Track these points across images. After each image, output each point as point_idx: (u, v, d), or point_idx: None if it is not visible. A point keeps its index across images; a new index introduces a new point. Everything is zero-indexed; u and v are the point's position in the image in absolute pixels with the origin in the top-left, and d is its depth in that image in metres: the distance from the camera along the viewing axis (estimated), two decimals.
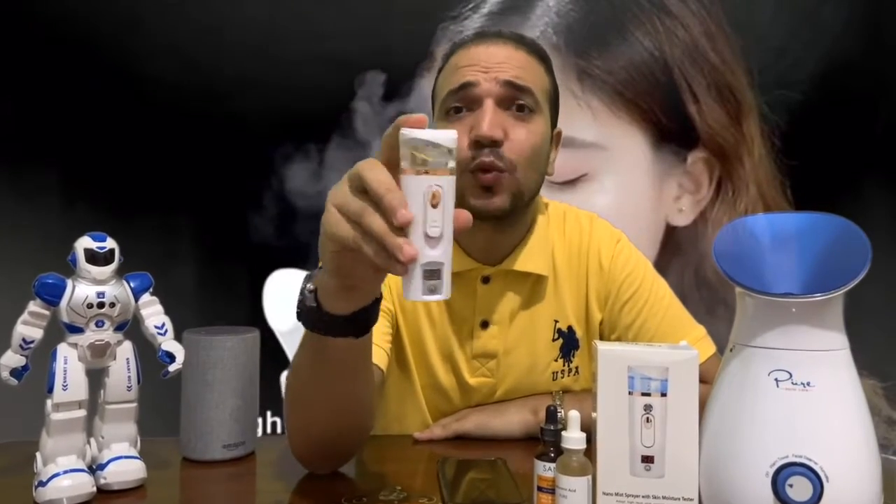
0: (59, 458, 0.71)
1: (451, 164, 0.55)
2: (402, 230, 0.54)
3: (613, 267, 1.00)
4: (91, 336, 0.73)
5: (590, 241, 1.01)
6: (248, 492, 0.80)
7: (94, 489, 0.72)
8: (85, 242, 0.73)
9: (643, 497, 0.62)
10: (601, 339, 0.99)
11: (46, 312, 0.72)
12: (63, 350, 0.72)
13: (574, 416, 0.62)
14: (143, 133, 1.88)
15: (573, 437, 0.62)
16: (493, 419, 0.95)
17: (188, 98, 1.89)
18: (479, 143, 0.88)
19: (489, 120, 0.88)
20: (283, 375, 1.50)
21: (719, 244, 0.64)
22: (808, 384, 0.57)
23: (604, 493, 0.62)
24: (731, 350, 0.63)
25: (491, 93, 0.90)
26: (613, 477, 0.62)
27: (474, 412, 0.97)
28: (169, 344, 0.78)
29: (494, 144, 0.88)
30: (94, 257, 0.73)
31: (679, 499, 0.62)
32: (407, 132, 0.54)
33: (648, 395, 0.62)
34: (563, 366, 1.00)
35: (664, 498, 0.62)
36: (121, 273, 0.75)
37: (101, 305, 0.72)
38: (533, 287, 0.99)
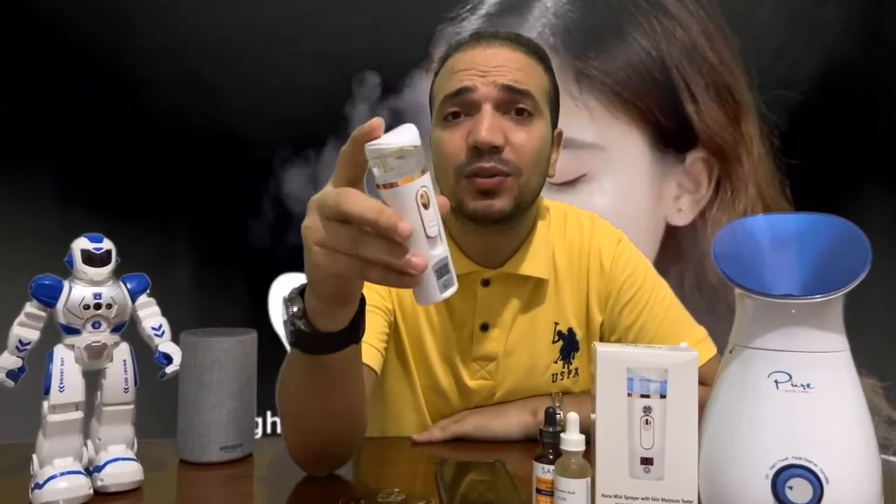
0: (55, 460, 0.71)
1: (423, 160, 0.54)
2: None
3: (614, 268, 0.99)
4: (88, 337, 0.72)
5: (591, 242, 1.01)
6: (246, 494, 0.80)
7: (91, 491, 0.72)
8: (82, 243, 0.73)
9: (642, 499, 0.62)
10: (601, 340, 0.99)
11: (43, 314, 0.72)
12: (60, 351, 0.72)
13: (573, 417, 0.62)
14: (141, 135, 1.88)
15: (572, 439, 0.61)
16: (492, 421, 0.95)
17: (184, 100, 1.88)
18: (478, 149, 0.86)
19: (488, 125, 0.86)
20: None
21: (719, 245, 0.63)
22: (808, 386, 0.57)
23: (603, 496, 0.62)
24: (730, 351, 0.62)
25: (489, 97, 0.88)
26: (612, 479, 0.62)
27: (473, 414, 0.97)
28: (166, 345, 0.77)
29: (494, 150, 0.86)
30: (90, 258, 0.72)
31: (678, 501, 0.61)
32: (374, 147, 0.53)
33: (648, 396, 0.61)
34: (563, 368, 1.00)
35: (663, 500, 0.61)
36: (118, 274, 0.75)
37: (97, 307, 0.72)
38: (533, 290, 0.98)
